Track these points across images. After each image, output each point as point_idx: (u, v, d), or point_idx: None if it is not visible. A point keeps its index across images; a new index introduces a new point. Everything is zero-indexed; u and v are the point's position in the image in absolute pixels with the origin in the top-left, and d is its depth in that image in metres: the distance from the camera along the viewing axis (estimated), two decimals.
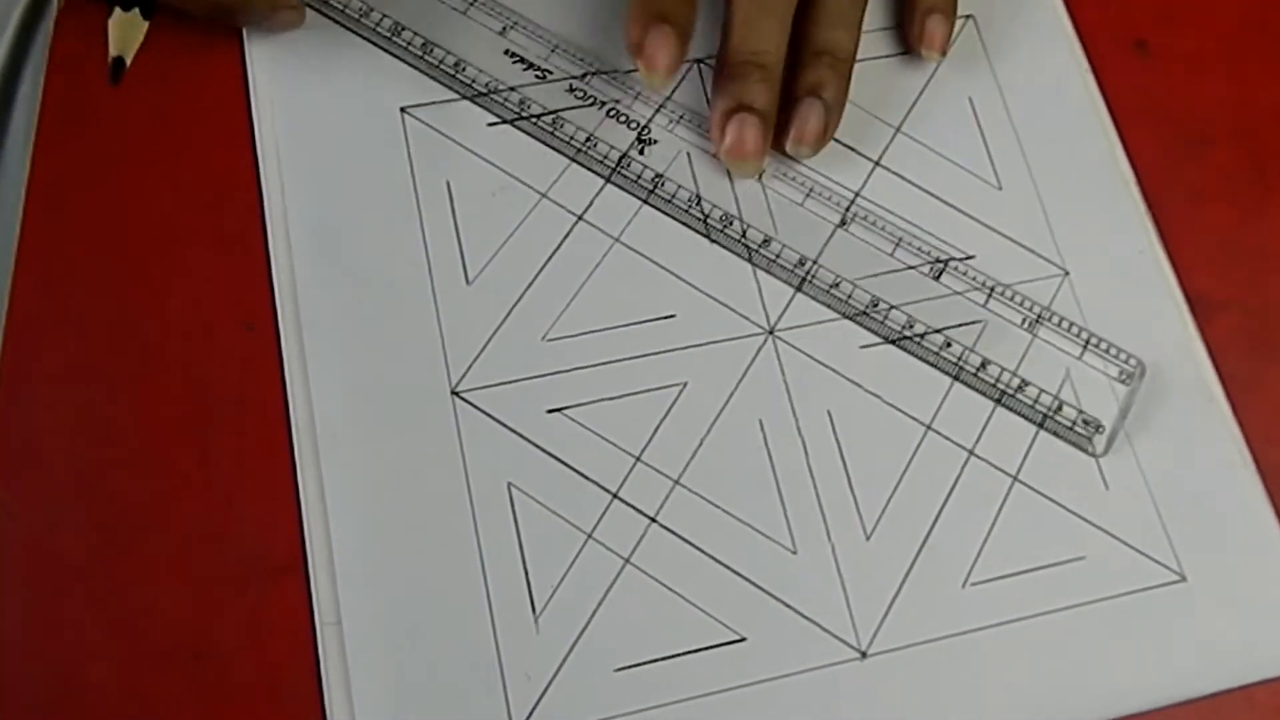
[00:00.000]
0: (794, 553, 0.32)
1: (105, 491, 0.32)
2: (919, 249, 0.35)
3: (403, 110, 0.37)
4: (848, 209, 0.36)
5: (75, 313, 0.34)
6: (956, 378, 0.34)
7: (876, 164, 0.37)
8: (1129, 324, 0.35)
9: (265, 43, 0.37)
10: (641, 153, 0.36)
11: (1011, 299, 0.35)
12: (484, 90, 0.37)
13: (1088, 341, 0.34)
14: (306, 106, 0.36)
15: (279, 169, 0.36)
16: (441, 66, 0.37)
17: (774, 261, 0.35)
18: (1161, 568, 0.32)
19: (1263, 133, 0.38)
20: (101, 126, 0.37)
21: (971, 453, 0.33)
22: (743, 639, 0.31)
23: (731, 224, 0.36)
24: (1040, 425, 0.33)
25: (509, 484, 0.32)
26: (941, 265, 0.35)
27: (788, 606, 0.32)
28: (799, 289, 0.35)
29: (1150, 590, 0.32)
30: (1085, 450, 0.33)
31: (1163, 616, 0.32)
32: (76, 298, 0.35)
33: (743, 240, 0.35)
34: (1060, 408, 0.34)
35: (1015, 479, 0.33)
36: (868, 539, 0.32)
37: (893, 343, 0.34)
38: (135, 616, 0.31)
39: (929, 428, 0.34)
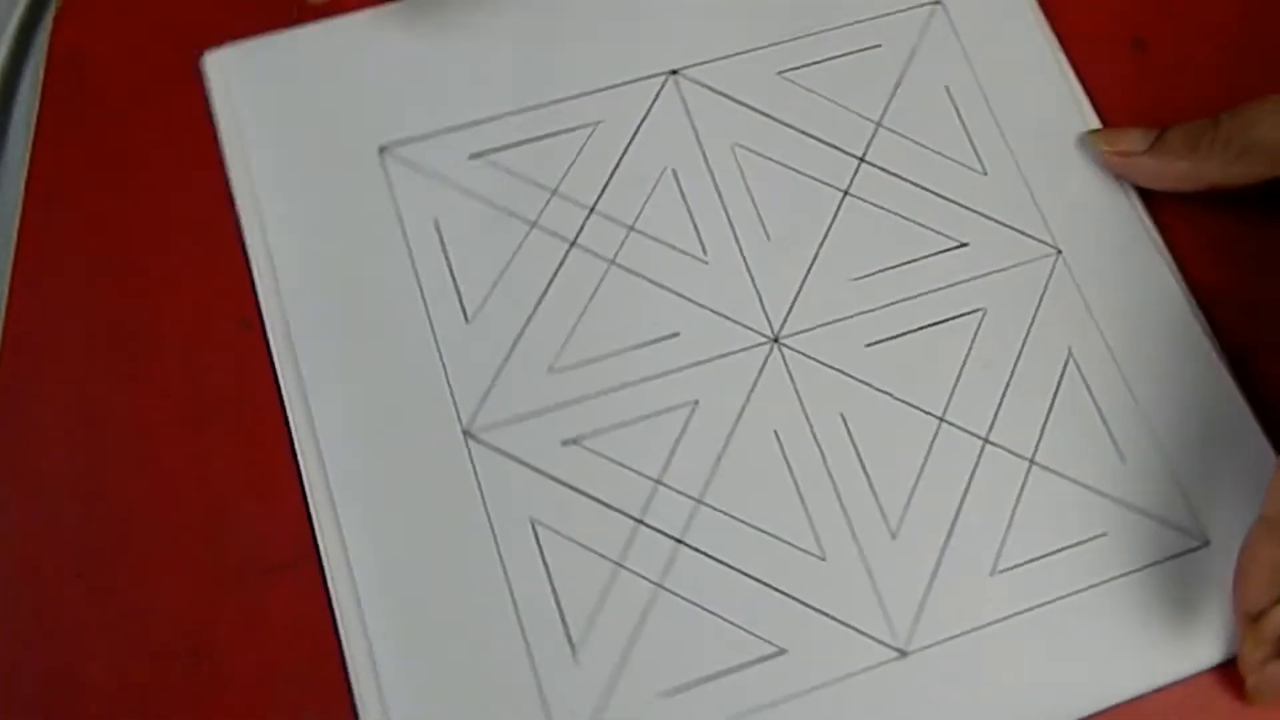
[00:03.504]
0: (823, 559, 0.32)
1: (102, 488, 0.32)
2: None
3: (381, 150, 0.36)
4: (838, 208, 0.36)
5: (72, 311, 0.34)
6: (962, 370, 0.34)
7: (861, 160, 0.37)
8: (1126, 297, 0.35)
9: (233, 90, 0.36)
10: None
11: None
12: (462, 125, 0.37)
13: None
14: (284, 157, 0.36)
15: (261, 215, 0.35)
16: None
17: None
18: (1184, 535, 0.33)
19: None
20: (100, 126, 0.36)
21: (986, 440, 0.33)
22: (783, 651, 0.31)
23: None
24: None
25: (532, 520, 0.32)
26: (936, 258, 0.35)
27: (823, 614, 0.32)
28: (796, 295, 0.35)
29: (1176, 559, 0.32)
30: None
31: (1190, 582, 0.32)
32: (74, 296, 0.34)
33: (738, 249, 0.35)
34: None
35: (1032, 462, 0.33)
36: (894, 537, 0.32)
37: (896, 339, 0.34)
38: (132, 614, 0.31)
39: (942, 420, 0.34)
